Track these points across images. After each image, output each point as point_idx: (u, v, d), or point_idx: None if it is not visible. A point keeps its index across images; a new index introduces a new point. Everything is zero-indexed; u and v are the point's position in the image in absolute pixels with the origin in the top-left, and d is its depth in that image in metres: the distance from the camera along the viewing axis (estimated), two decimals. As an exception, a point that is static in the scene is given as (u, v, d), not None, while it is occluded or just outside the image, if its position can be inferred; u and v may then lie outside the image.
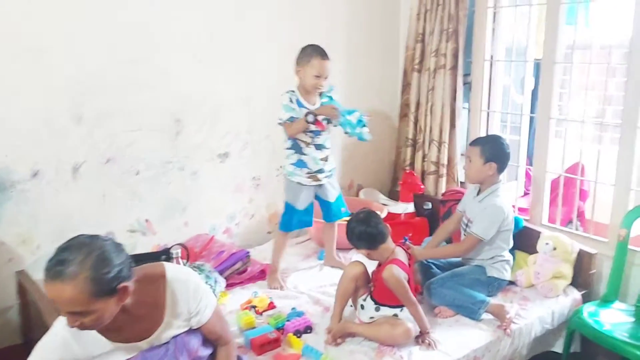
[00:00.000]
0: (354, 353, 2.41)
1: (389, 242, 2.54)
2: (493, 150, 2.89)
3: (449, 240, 3.25)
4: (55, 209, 2.94)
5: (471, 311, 2.73)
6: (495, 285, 2.92)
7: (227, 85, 3.37)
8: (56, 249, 1.63)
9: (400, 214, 3.68)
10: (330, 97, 3.01)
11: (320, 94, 3.02)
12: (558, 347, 2.99)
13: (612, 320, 2.78)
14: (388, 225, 2.59)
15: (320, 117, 2.93)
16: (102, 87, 2.95)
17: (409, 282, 2.49)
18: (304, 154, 2.99)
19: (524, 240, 3.22)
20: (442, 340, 2.53)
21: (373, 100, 4.09)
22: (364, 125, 2.96)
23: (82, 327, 1.65)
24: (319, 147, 3.01)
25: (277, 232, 3.15)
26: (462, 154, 3.74)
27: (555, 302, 2.93)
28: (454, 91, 3.65)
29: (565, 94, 3.76)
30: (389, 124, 4.18)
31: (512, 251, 3.21)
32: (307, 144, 2.99)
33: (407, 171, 3.81)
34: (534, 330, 2.78)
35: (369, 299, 2.55)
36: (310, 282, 3.13)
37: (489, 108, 3.77)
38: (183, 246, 3.01)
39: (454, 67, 3.62)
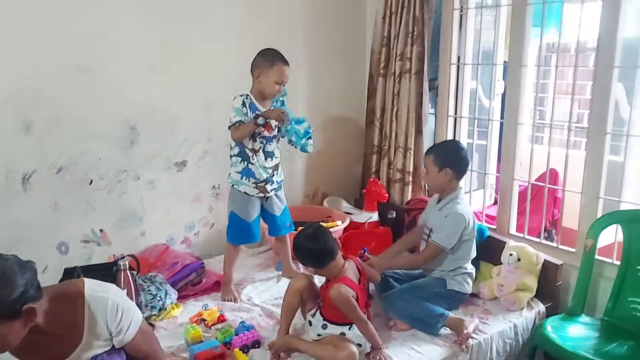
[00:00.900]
0: (303, 367, 2.33)
1: (338, 259, 2.44)
2: (447, 156, 2.81)
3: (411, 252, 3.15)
4: (5, 219, 2.87)
5: (429, 325, 2.63)
6: (456, 299, 2.83)
7: (183, 93, 3.28)
8: None
9: (363, 223, 3.58)
10: (283, 102, 2.91)
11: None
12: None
13: (577, 334, 2.68)
14: (338, 241, 2.50)
15: (269, 120, 2.82)
16: (50, 96, 2.87)
17: (358, 299, 2.38)
18: (251, 163, 2.88)
19: (489, 251, 3.12)
20: (395, 356, 2.43)
21: (339, 107, 4.01)
22: (310, 137, 2.87)
23: None
24: (268, 154, 2.90)
25: (226, 244, 3.05)
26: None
27: (518, 315, 2.83)
28: (420, 96, 3.54)
29: (545, 98, 3.66)
30: (357, 130, 4.09)
31: (476, 262, 3.12)
32: (256, 152, 2.87)
33: (372, 179, 3.71)
34: (495, 346, 2.67)
35: (317, 314, 2.45)
36: (266, 294, 3.04)
37: (456, 113, 3.67)
38: (133, 257, 2.92)
39: (420, 71, 3.52)
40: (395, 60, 3.64)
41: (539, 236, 3.35)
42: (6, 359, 1.72)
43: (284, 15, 3.64)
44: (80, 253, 3.12)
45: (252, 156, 2.88)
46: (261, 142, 2.88)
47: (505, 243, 3.09)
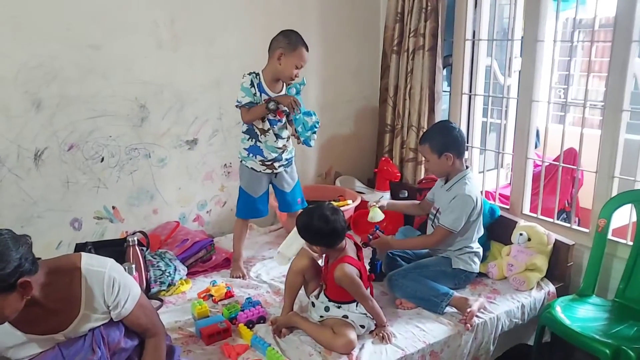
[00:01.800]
0: (303, 344, 2.33)
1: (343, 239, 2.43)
2: (442, 141, 2.75)
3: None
4: (18, 196, 2.92)
5: (434, 304, 2.61)
6: (462, 278, 2.79)
7: (192, 71, 3.28)
8: None
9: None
10: (298, 91, 2.84)
11: (288, 84, 2.86)
12: (531, 341, 2.83)
13: (586, 315, 2.63)
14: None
15: (281, 106, 2.78)
16: (60, 74, 2.89)
17: (361, 276, 2.37)
18: (259, 141, 2.86)
19: (500, 231, 3.09)
20: (399, 334, 2.42)
21: (352, 85, 3.97)
22: (315, 132, 2.86)
23: None
24: (276, 136, 2.87)
25: (235, 220, 3.06)
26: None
27: (526, 295, 2.79)
28: (433, 73, 3.48)
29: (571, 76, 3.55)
30: (370, 109, 4.05)
31: (487, 242, 3.09)
32: (264, 132, 2.85)
33: (384, 158, 3.67)
34: (501, 325, 2.64)
35: (322, 295, 2.45)
36: (274, 271, 3.04)
37: (471, 91, 3.59)
38: (143, 233, 2.96)
39: (433, 48, 3.45)
40: (408, 37, 3.58)
41: (556, 217, 3.28)
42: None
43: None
44: (93, 229, 3.17)
45: (261, 135, 2.85)
46: (270, 123, 2.85)
47: (516, 223, 3.04)
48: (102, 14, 2.94)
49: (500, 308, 2.68)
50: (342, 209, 3.04)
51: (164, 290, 2.78)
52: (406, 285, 2.67)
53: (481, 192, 3.55)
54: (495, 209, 3.12)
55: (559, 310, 2.60)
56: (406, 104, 3.67)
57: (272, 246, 3.36)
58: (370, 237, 2.84)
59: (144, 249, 2.88)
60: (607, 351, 2.32)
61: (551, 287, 2.87)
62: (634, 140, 3.07)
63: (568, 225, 3.13)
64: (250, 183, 2.94)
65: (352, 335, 2.32)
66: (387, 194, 3.59)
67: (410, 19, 3.54)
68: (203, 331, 2.38)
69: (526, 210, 3.32)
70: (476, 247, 2.83)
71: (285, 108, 2.78)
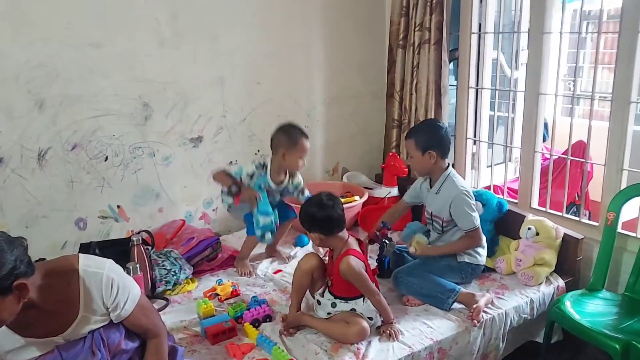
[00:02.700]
0: (309, 343, 2.32)
1: (344, 232, 2.41)
2: (428, 139, 2.72)
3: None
4: (23, 196, 2.92)
5: (440, 301, 2.59)
6: (469, 271, 2.77)
7: (195, 67, 3.26)
8: None
9: (383, 198, 3.52)
10: (260, 187, 2.88)
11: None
12: (541, 338, 2.79)
13: (595, 310, 2.59)
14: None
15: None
16: (61, 74, 2.87)
17: (367, 270, 2.36)
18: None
19: (508, 225, 3.05)
20: (406, 331, 2.40)
21: (359, 80, 3.94)
22: (272, 231, 2.88)
23: None
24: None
25: (246, 237, 3.05)
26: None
27: (535, 290, 2.76)
28: (440, 67, 3.44)
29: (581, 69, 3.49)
30: (377, 104, 4.02)
31: (495, 237, 3.05)
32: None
33: (391, 153, 3.64)
34: (510, 321, 2.61)
35: (327, 292, 2.43)
36: (282, 269, 3.03)
37: (477, 85, 3.55)
38: (148, 233, 2.95)
39: (439, 42, 3.41)
40: (414, 31, 3.54)
41: (566, 211, 3.24)
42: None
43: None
44: (98, 229, 3.17)
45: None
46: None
47: (524, 217, 3.00)
48: (102, 12, 2.93)
49: (509, 304, 2.65)
50: (349, 205, 3.04)
51: (169, 289, 2.77)
52: (412, 282, 2.64)
53: (489, 186, 3.54)
54: (503, 203, 3.08)
55: (568, 305, 2.57)
56: (413, 99, 3.63)
57: (280, 244, 3.30)
58: (378, 232, 2.82)
59: (149, 248, 2.88)
60: (617, 346, 2.28)
61: (560, 282, 2.83)
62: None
63: (577, 218, 3.09)
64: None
65: (365, 323, 2.32)
66: (395, 190, 3.56)
67: (416, 13, 3.50)
68: (208, 331, 2.36)
69: (535, 204, 3.27)
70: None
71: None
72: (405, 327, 2.43)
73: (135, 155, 3.18)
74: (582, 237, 2.87)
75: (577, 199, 3.70)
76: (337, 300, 2.38)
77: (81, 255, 1.83)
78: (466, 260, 2.74)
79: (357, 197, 3.46)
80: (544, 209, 3.20)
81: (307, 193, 3.00)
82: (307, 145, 2.83)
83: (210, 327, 2.38)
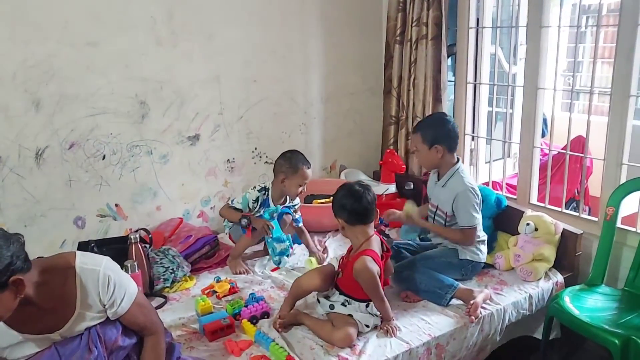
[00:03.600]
0: (305, 339, 2.31)
1: (370, 228, 2.38)
2: (434, 133, 2.71)
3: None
4: (21, 195, 2.92)
5: (438, 296, 2.58)
6: (469, 268, 2.76)
7: (192, 66, 3.25)
8: None
9: (381, 195, 3.51)
10: (271, 216, 2.92)
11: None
12: (540, 333, 2.79)
13: (595, 305, 2.58)
14: (377, 210, 2.44)
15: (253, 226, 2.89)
16: (58, 72, 2.87)
17: (380, 277, 2.32)
18: None
19: (507, 221, 3.05)
20: (404, 327, 2.39)
21: (356, 76, 3.92)
22: (288, 255, 2.98)
23: None
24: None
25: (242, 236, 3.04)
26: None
27: (534, 286, 2.74)
28: (438, 63, 3.43)
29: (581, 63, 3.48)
30: (375, 101, 4.01)
31: (494, 233, 3.04)
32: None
33: (389, 150, 3.63)
34: (508, 317, 2.60)
35: (331, 290, 2.42)
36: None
37: (476, 80, 3.53)
38: (146, 231, 2.95)
39: (437, 37, 3.40)
40: (411, 26, 3.53)
41: (566, 206, 3.23)
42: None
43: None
44: (97, 227, 3.17)
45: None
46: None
47: (523, 212, 2.99)
48: (98, 11, 2.92)
49: (507, 299, 2.64)
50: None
51: (167, 287, 2.77)
52: (410, 277, 2.63)
53: (488, 182, 3.53)
54: (502, 199, 3.07)
55: (567, 301, 2.56)
56: (410, 95, 3.62)
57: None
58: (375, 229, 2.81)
59: (147, 246, 2.88)
60: (617, 341, 2.27)
61: (559, 277, 2.82)
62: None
63: (576, 214, 3.08)
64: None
65: (351, 330, 2.28)
66: (392, 187, 3.55)
67: (413, 8, 3.49)
68: (206, 327, 2.36)
69: (534, 199, 3.27)
70: (482, 235, 2.80)
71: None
72: (403, 323, 2.42)
73: (133, 154, 3.18)
74: (581, 232, 2.86)
75: (576, 194, 3.68)
76: (336, 302, 2.37)
77: (78, 252, 1.83)
78: (468, 257, 2.74)
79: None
80: (543, 205, 3.19)
81: (298, 215, 3.10)
82: (307, 173, 2.92)
83: (208, 324, 2.38)
